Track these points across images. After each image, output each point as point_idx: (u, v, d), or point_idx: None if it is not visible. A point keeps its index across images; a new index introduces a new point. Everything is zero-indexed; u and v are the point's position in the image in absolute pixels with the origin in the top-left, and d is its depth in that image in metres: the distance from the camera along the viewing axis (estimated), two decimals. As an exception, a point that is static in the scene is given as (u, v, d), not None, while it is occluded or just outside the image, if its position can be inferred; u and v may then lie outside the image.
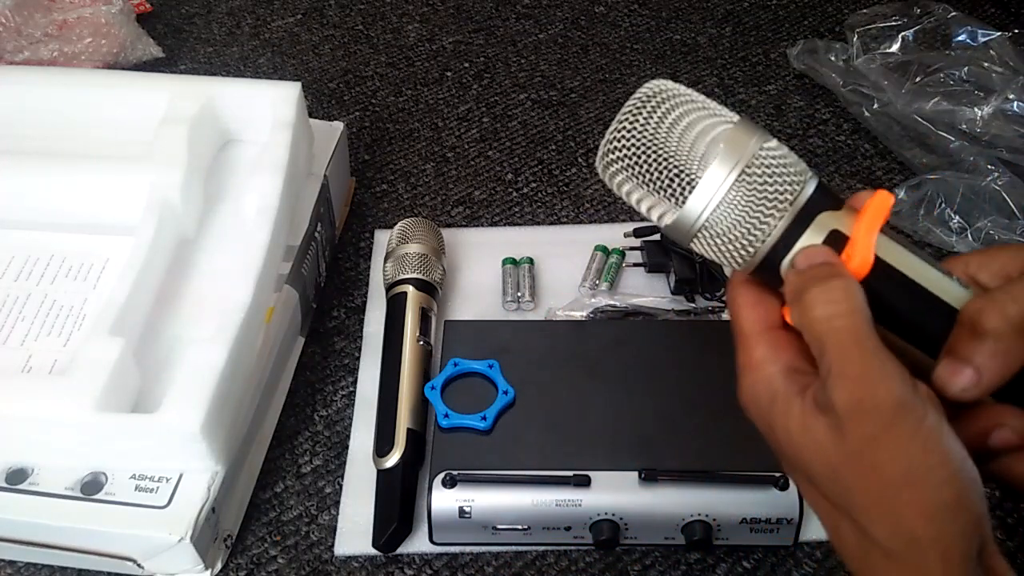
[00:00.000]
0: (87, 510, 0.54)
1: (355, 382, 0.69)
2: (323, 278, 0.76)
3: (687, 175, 0.34)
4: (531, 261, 0.76)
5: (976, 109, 0.86)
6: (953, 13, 0.95)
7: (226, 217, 0.68)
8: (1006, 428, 0.34)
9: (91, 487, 0.55)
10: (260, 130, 0.70)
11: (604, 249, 0.76)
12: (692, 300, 0.73)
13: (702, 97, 0.35)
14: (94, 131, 0.71)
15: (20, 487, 0.55)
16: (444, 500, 0.56)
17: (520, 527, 0.57)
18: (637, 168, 0.35)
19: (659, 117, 0.34)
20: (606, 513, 0.56)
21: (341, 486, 0.63)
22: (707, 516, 0.56)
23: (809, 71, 0.97)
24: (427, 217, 0.79)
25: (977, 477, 0.32)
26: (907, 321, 0.35)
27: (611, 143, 0.35)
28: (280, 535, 0.61)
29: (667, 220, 0.35)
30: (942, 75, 0.89)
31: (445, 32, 1.06)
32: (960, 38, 0.94)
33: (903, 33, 0.93)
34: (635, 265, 0.76)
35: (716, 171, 0.33)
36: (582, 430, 0.59)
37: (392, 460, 0.60)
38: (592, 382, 0.62)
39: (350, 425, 0.66)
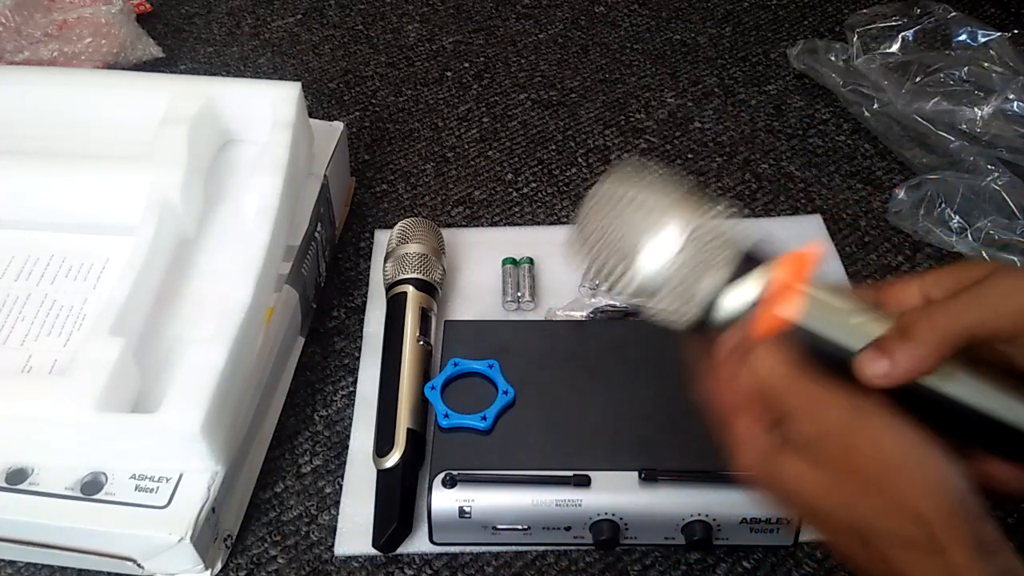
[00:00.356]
0: (87, 510, 0.54)
1: (355, 382, 0.69)
2: (323, 278, 0.76)
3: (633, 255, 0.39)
4: (531, 261, 0.76)
5: (976, 109, 0.85)
6: (953, 13, 0.95)
7: (226, 217, 0.68)
8: None
9: (91, 487, 0.55)
10: (260, 130, 0.70)
11: (604, 249, 0.76)
12: (692, 300, 0.73)
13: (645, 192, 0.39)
14: (94, 131, 0.71)
15: (20, 487, 0.55)
16: (444, 500, 0.56)
17: (520, 527, 0.57)
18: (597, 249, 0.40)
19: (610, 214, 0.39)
20: (606, 513, 0.56)
21: (341, 486, 0.63)
22: (707, 516, 0.56)
23: (809, 71, 0.97)
24: (427, 217, 0.79)
25: (949, 453, 0.34)
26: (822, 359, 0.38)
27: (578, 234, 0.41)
28: (280, 535, 0.61)
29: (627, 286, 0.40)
30: (942, 75, 0.89)
31: (445, 32, 1.06)
32: (960, 38, 0.94)
33: (903, 33, 0.93)
34: (635, 265, 0.76)
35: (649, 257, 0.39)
36: (582, 430, 0.59)
37: (392, 460, 0.60)
38: (592, 382, 0.62)
39: (350, 425, 0.66)
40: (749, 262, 0.38)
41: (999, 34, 0.91)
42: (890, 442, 0.35)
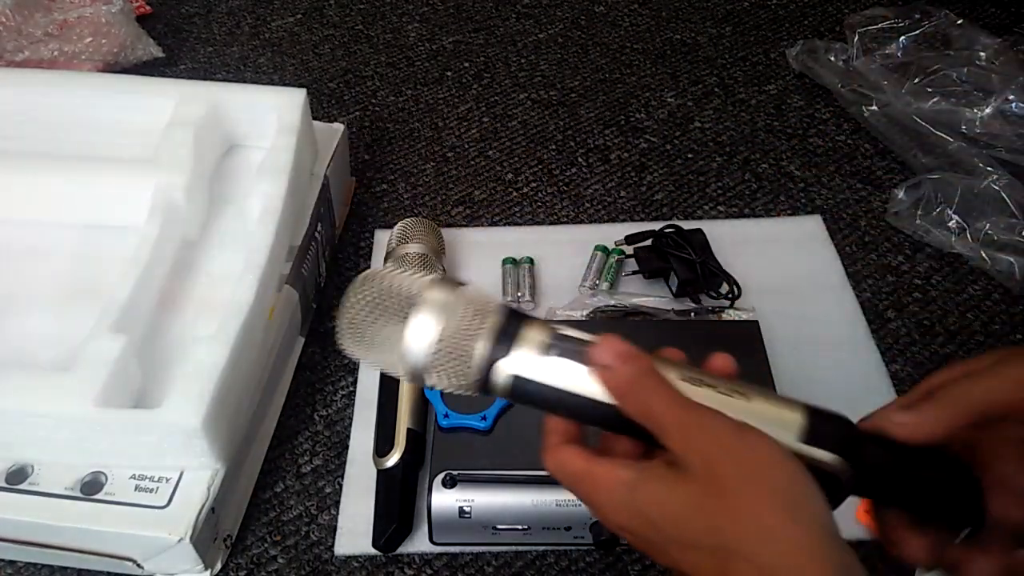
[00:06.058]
0: (87, 510, 0.54)
1: (355, 382, 0.69)
2: (323, 278, 0.76)
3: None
4: (531, 261, 0.76)
5: (975, 110, 0.86)
6: (953, 18, 0.95)
7: (230, 219, 0.69)
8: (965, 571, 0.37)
9: (91, 487, 0.55)
10: (265, 135, 0.70)
11: (604, 249, 0.77)
12: (697, 301, 0.73)
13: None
14: (101, 134, 0.71)
15: (20, 487, 0.55)
16: (444, 500, 0.56)
17: (520, 527, 0.57)
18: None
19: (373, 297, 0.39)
20: (606, 513, 0.56)
21: (341, 486, 0.63)
22: (707, 516, 0.56)
23: (809, 71, 0.97)
24: (427, 217, 0.79)
25: (804, 469, 0.34)
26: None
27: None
28: (280, 535, 0.61)
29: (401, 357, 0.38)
30: (941, 76, 0.89)
31: (445, 32, 1.06)
32: (960, 42, 0.94)
33: (903, 36, 0.94)
34: (633, 273, 0.76)
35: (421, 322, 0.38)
36: (582, 430, 0.59)
37: (392, 460, 0.60)
38: (592, 382, 0.62)
39: (350, 425, 0.66)
40: (511, 322, 0.38)
41: (1000, 39, 0.91)
42: (745, 450, 0.34)
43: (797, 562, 0.32)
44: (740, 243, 0.78)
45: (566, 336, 0.38)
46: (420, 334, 0.38)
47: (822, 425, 0.36)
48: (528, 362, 0.38)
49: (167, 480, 0.55)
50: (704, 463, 0.34)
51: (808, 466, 0.35)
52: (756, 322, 0.68)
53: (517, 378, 0.38)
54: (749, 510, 0.33)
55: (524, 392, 0.39)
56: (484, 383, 0.38)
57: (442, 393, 0.61)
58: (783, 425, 0.36)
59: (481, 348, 0.38)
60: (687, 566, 0.35)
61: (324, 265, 0.75)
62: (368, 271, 0.40)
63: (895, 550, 0.37)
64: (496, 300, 0.39)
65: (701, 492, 0.34)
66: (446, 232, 0.75)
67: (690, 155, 0.90)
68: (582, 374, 0.38)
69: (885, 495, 0.37)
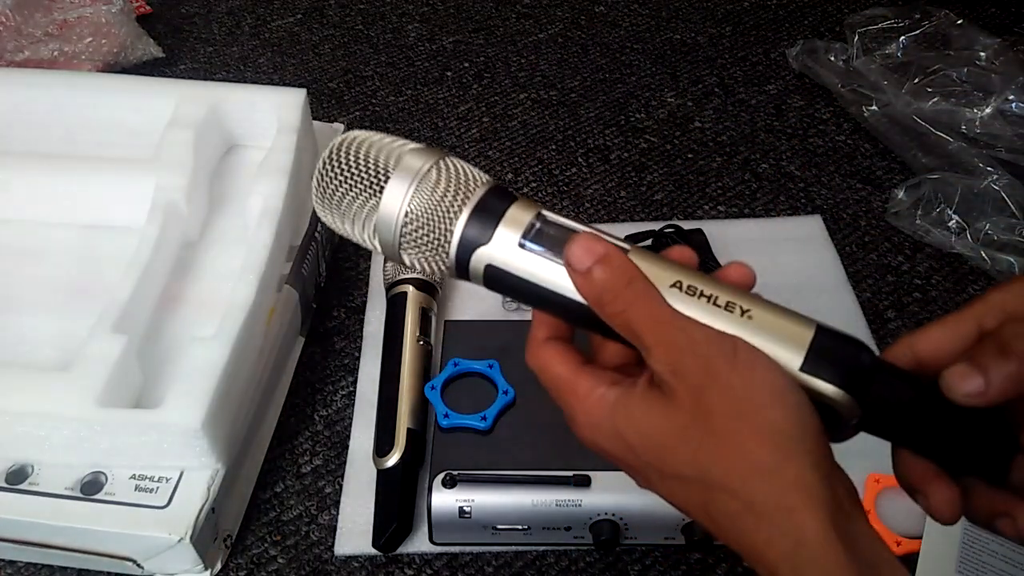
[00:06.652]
0: (87, 510, 0.54)
1: (355, 382, 0.69)
2: (323, 278, 0.76)
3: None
4: (531, 261, 0.76)
5: (975, 110, 0.86)
6: (951, 16, 0.95)
7: (230, 219, 0.69)
8: (1009, 520, 0.33)
9: (91, 487, 0.55)
10: (265, 135, 0.70)
11: (604, 249, 0.76)
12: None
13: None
14: (101, 134, 0.71)
15: (20, 487, 0.55)
16: (444, 500, 0.56)
17: (520, 527, 0.57)
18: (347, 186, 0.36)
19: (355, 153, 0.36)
20: (606, 513, 0.56)
21: (341, 486, 0.63)
22: (707, 516, 0.56)
23: (809, 71, 0.97)
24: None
25: (805, 400, 0.31)
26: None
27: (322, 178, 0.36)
28: (280, 535, 0.61)
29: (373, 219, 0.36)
30: (942, 76, 0.89)
31: (445, 32, 1.06)
32: (960, 42, 0.94)
33: (903, 36, 0.94)
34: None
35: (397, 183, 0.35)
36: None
37: (392, 460, 0.60)
38: (592, 382, 0.62)
39: (350, 425, 0.66)
40: (495, 203, 0.34)
41: (1000, 39, 0.91)
42: (740, 383, 0.31)
43: (787, 501, 0.30)
44: (740, 243, 0.78)
45: (554, 224, 0.34)
46: (393, 209, 0.34)
47: (829, 351, 0.32)
48: (506, 251, 0.34)
49: (167, 480, 0.55)
50: (691, 391, 0.31)
51: (809, 395, 0.31)
52: (756, 322, 0.68)
53: (492, 267, 0.34)
54: (738, 445, 0.31)
55: (499, 283, 0.35)
56: (461, 268, 0.35)
57: (442, 393, 0.61)
58: (787, 346, 0.32)
59: (458, 230, 0.34)
60: (667, 493, 0.34)
61: (324, 265, 0.75)
62: (347, 133, 0.37)
63: (915, 499, 0.34)
64: (482, 175, 0.35)
65: (686, 423, 0.31)
66: (446, 232, 0.75)
67: (690, 155, 0.90)
68: (562, 272, 0.33)
69: (898, 437, 0.33)
